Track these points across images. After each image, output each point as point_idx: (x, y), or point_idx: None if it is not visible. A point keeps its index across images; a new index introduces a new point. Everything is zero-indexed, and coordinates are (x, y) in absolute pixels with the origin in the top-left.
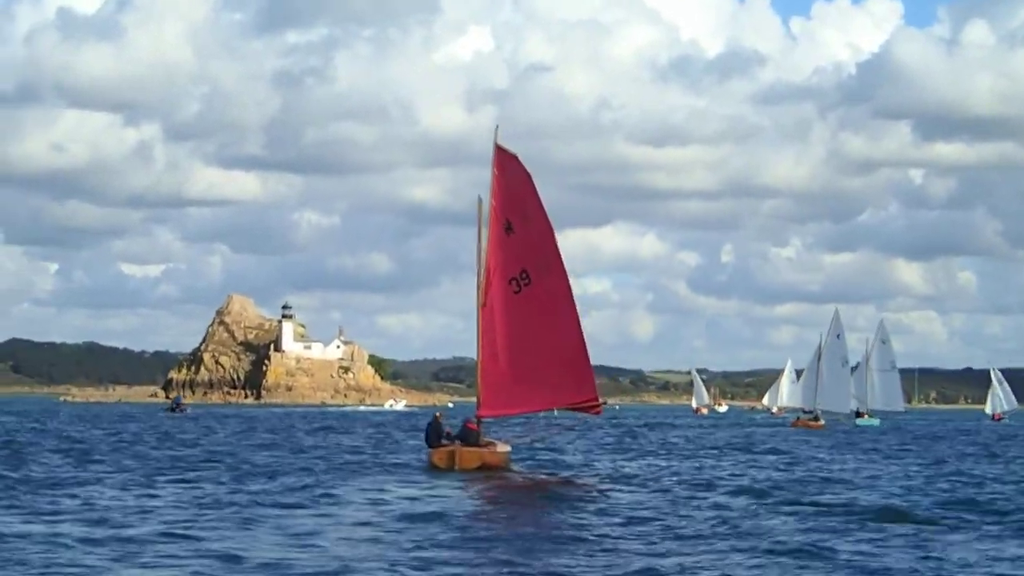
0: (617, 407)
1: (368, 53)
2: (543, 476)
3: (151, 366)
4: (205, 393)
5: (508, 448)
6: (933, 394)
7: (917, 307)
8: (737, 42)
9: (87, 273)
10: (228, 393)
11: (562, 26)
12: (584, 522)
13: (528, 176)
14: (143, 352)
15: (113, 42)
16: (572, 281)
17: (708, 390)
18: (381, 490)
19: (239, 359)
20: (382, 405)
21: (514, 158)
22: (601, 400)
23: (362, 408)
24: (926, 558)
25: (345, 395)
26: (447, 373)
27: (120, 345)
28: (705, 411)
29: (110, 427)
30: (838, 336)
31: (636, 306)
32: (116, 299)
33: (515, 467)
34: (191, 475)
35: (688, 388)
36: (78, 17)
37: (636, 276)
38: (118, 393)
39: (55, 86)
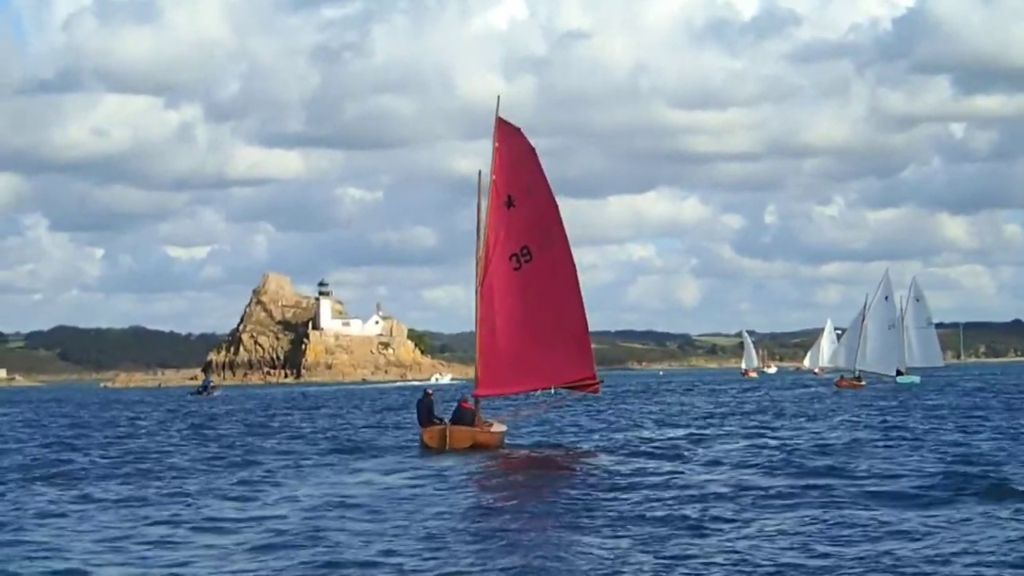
0: (661, 372)
1: (404, 25)
2: (535, 455)
3: (197, 349)
4: (245, 374)
5: (503, 428)
6: (982, 348)
7: (963, 261)
8: (772, 2)
9: (133, 257)
10: (268, 373)
11: None
12: (547, 505)
13: (531, 149)
14: (189, 335)
15: (150, 24)
16: (616, 247)
17: (757, 352)
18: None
19: (278, 338)
20: (428, 379)
21: (517, 131)
22: (599, 378)
23: (410, 383)
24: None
25: (385, 371)
26: None
27: (166, 328)
28: (755, 374)
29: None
30: (886, 298)
31: (681, 270)
32: (162, 282)
33: (509, 447)
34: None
35: (736, 351)
36: (115, 1)
37: (680, 240)
38: (162, 377)
39: (95, 71)
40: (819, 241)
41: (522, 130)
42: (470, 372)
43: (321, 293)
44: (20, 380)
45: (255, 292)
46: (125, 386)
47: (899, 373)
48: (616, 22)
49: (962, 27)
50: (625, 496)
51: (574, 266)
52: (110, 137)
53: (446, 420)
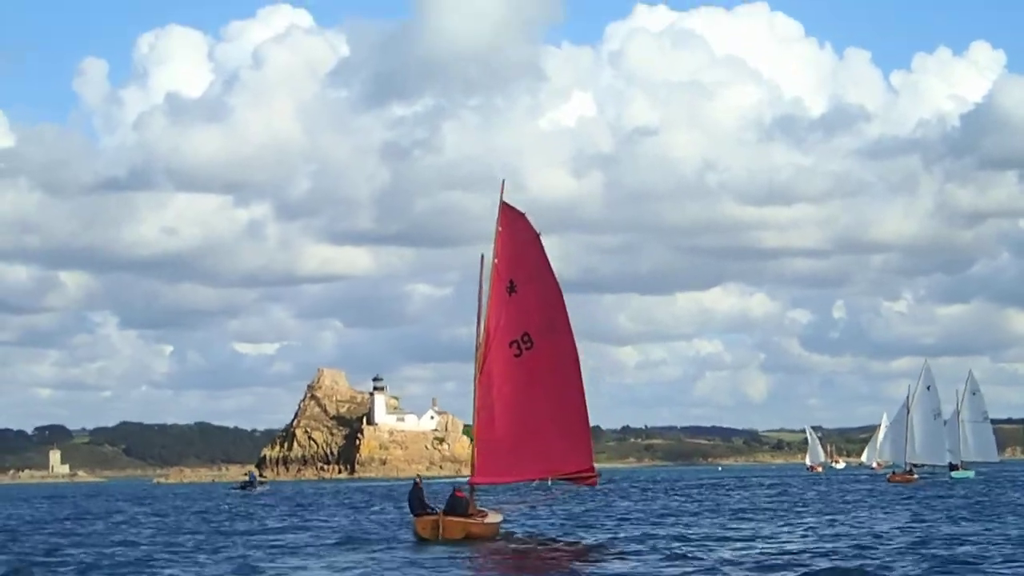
0: (720, 468)
1: (474, 122)
2: (527, 548)
3: (262, 444)
4: (299, 469)
5: (499, 518)
6: None
7: None
8: (840, 98)
9: (201, 354)
10: (322, 468)
11: (664, 89)
12: None
13: (536, 235)
14: (254, 430)
15: (221, 124)
16: (684, 343)
17: (824, 447)
18: None
19: (332, 434)
20: None
21: (521, 216)
22: (596, 472)
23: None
24: None
25: (440, 467)
26: None
27: (232, 424)
28: (820, 469)
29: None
30: (928, 388)
31: (749, 366)
32: (230, 379)
33: (504, 538)
34: None
35: (802, 446)
36: (186, 100)
37: (748, 336)
38: (217, 473)
39: (165, 170)
40: (888, 336)
41: (527, 216)
42: None
43: (375, 388)
44: (83, 476)
45: (310, 387)
46: (179, 481)
47: (953, 467)
48: (683, 119)
49: None
50: None
51: (577, 355)
52: (180, 235)
53: (439, 509)
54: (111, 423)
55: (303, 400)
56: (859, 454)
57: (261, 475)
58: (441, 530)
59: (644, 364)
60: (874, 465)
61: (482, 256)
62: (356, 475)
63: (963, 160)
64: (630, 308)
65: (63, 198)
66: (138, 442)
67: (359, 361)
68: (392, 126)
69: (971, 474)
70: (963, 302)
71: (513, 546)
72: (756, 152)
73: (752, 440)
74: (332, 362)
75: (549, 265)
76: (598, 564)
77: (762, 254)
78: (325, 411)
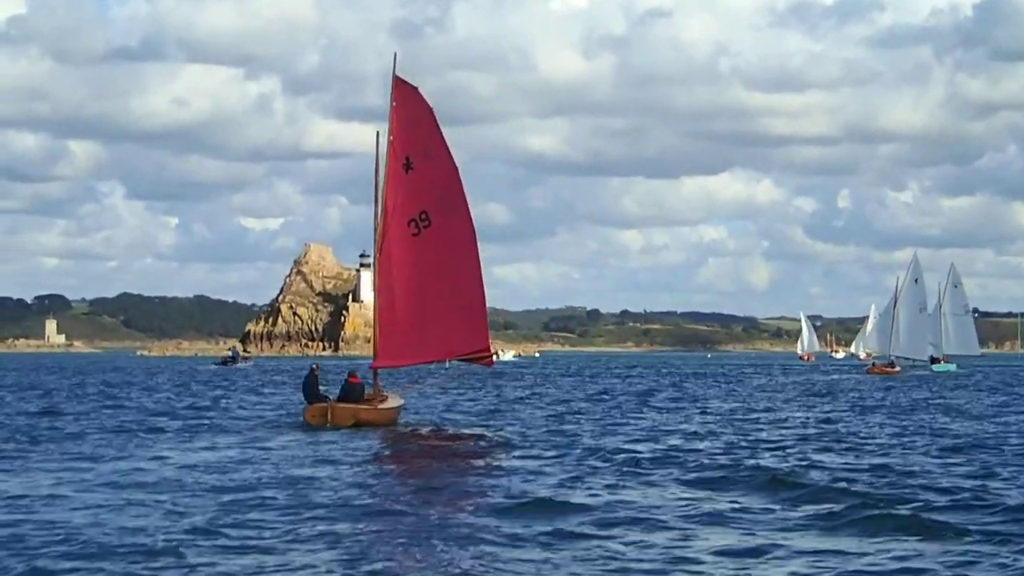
0: (709, 356)
1: (486, 2)
2: (419, 435)
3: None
4: (283, 345)
5: (397, 403)
6: None
7: None
8: None
9: (207, 227)
10: (306, 345)
11: None
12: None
13: (430, 110)
14: (252, 305)
15: None
16: (688, 229)
17: (824, 337)
18: None
19: (317, 310)
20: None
21: (414, 90)
22: (493, 351)
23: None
24: None
25: None
26: (557, 323)
27: (232, 299)
28: (812, 358)
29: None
30: (916, 281)
31: (752, 253)
32: (234, 253)
33: (401, 423)
34: None
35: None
36: None
37: (752, 223)
38: (200, 347)
39: (177, 41)
40: (892, 227)
41: (419, 89)
42: (531, 349)
43: (362, 265)
44: (79, 346)
45: (296, 262)
46: (162, 355)
47: (935, 360)
48: (697, 2)
49: None
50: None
51: (474, 234)
52: (189, 107)
53: (331, 397)
54: (112, 294)
55: (289, 275)
56: None
57: (245, 350)
58: (330, 417)
59: (647, 248)
60: (862, 356)
61: (377, 133)
62: (340, 352)
63: (975, 51)
64: (636, 191)
65: (74, 66)
66: (137, 314)
67: (363, 238)
68: (404, 3)
69: (953, 367)
70: (969, 194)
71: (402, 432)
72: (768, 38)
73: (751, 328)
74: (335, 239)
75: (444, 141)
76: (475, 453)
77: (770, 140)
78: (311, 287)
